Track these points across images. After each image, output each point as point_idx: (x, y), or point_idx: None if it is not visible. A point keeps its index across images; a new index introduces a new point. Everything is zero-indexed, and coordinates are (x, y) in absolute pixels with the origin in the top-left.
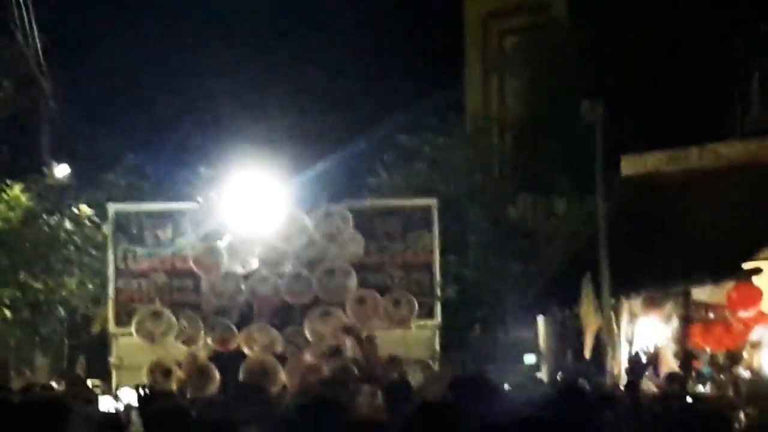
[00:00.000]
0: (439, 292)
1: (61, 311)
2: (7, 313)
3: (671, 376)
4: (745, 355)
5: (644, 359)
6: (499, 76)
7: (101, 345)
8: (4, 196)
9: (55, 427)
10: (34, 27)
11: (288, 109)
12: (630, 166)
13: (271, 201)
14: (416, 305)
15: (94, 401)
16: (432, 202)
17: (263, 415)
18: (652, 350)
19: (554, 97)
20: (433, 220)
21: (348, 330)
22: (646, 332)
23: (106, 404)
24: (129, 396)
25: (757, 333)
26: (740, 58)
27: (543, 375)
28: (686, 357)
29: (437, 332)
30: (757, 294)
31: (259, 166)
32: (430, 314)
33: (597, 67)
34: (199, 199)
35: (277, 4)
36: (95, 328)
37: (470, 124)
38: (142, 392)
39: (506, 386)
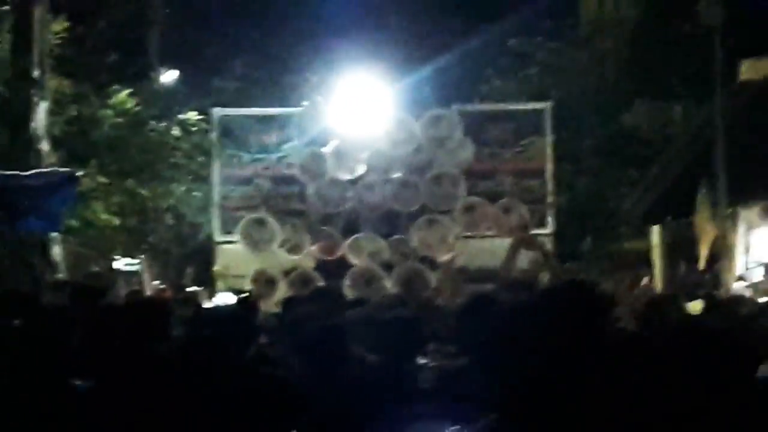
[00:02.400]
0: (551, 200)
1: (169, 219)
2: (116, 220)
3: None
4: None
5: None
6: None
7: (209, 253)
8: (112, 101)
9: (156, 328)
10: None
11: (396, 11)
12: (750, 70)
13: (378, 105)
14: (528, 213)
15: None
16: (545, 105)
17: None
18: None
19: None
20: (546, 125)
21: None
22: (764, 242)
23: None
24: (228, 301)
25: None
26: None
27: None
28: None
29: (550, 242)
30: None
31: (365, 69)
32: (542, 223)
33: None
34: (305, 103)
35: None
36: (202, 236)
37: (584, 28)
38: (241, 298)
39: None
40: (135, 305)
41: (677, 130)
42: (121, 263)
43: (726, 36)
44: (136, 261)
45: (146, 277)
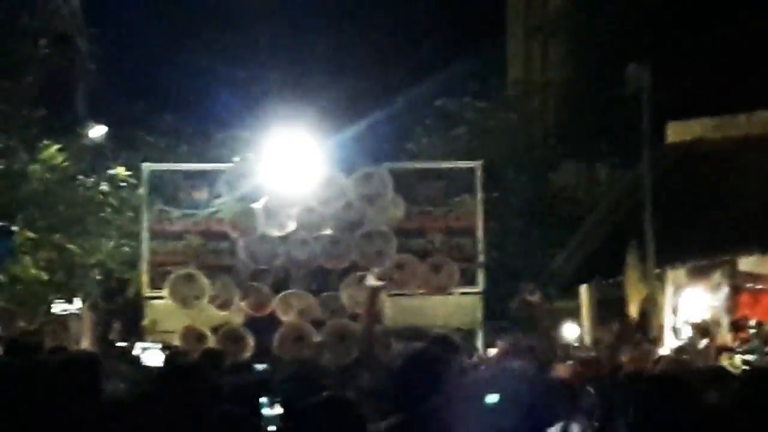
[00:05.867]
0: (481, 258)
1: (97, 274)
2: (43, 274)
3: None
4: None
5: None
6: (541, 39)
7: (137, 309)
8: (41, 156)
9: (85, 383)
10: None
11: (328, 69)
12: (676, 132)
13: (309, 162)
14: (457, 272)
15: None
16: (476, 164)
17: None
18: (698, 322)
19: (599, 61)
20: (476, 183)
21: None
22: (692, 303)
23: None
24: (156, 357)
25: None
26: None
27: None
28: (735, 328)
29: (480, 300)
30: None
31: (297, 126)
32: (472, 281)
33: (643, 29)
34: (236, 159)
35: None
36: (130, 292)
37: (512, 89)
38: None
39: None
40: (64, 362)
41: (604, 190)
42: (59, 308)
43: (653, 98)
44: (75, 306)
45: (85, 325)
